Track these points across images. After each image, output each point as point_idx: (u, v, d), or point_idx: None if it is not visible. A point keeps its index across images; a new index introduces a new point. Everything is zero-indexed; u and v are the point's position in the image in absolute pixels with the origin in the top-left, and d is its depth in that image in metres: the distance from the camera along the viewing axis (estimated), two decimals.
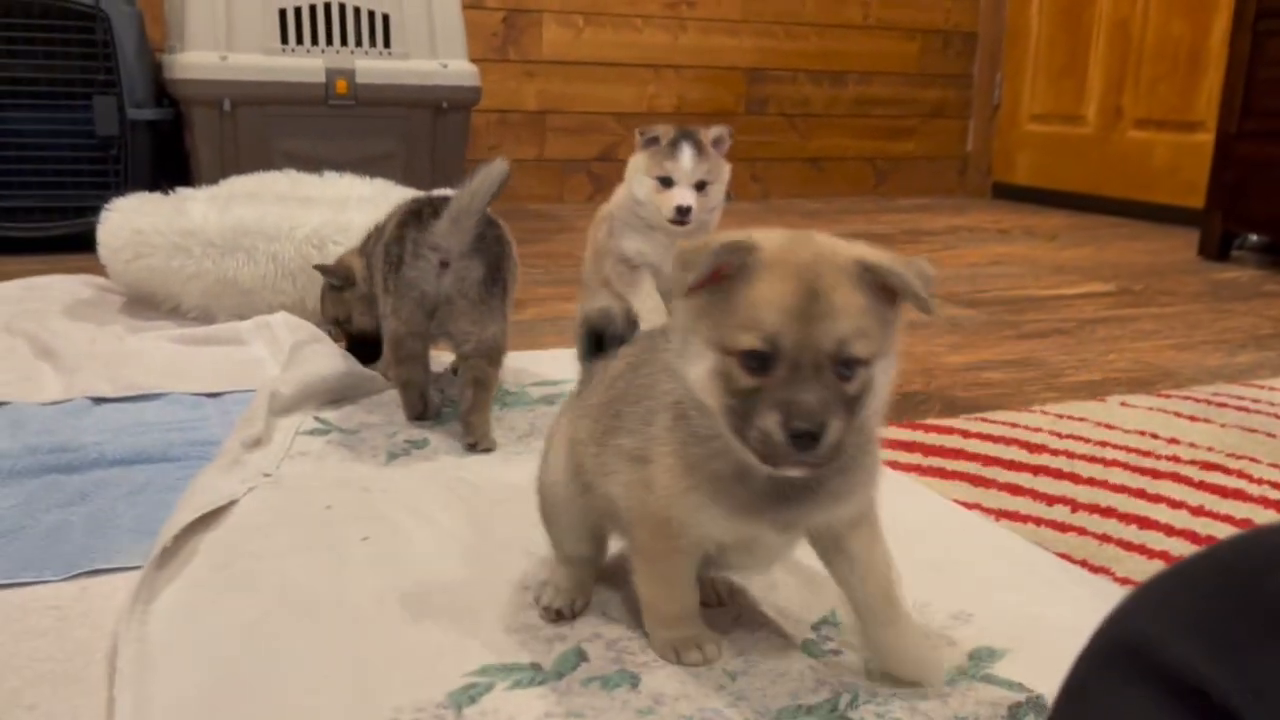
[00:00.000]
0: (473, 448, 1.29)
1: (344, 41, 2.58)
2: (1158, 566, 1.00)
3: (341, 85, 2.54)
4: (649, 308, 1.68)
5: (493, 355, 1.33)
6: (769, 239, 0.71)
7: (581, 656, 0.82)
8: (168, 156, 2.63)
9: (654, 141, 1.75)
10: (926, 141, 4.29)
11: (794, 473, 0.69)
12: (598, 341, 0.90)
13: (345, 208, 1.88)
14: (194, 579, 0.92)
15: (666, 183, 1.73)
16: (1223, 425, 1.43)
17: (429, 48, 2.67)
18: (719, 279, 0.70)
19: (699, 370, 0.71)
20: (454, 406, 1.43)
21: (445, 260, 1.29)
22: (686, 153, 1.74)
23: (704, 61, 3.85)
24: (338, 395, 1.43)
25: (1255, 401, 1.54)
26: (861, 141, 4.18)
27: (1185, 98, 3.37)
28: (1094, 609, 0.91)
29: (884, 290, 0.70)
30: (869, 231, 3.23)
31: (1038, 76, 3.95)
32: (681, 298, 0.72)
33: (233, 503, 1.07)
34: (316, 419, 1.36)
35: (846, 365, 0.68)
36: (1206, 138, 3.28)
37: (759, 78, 3.94)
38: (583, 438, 0.85)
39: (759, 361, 0.68)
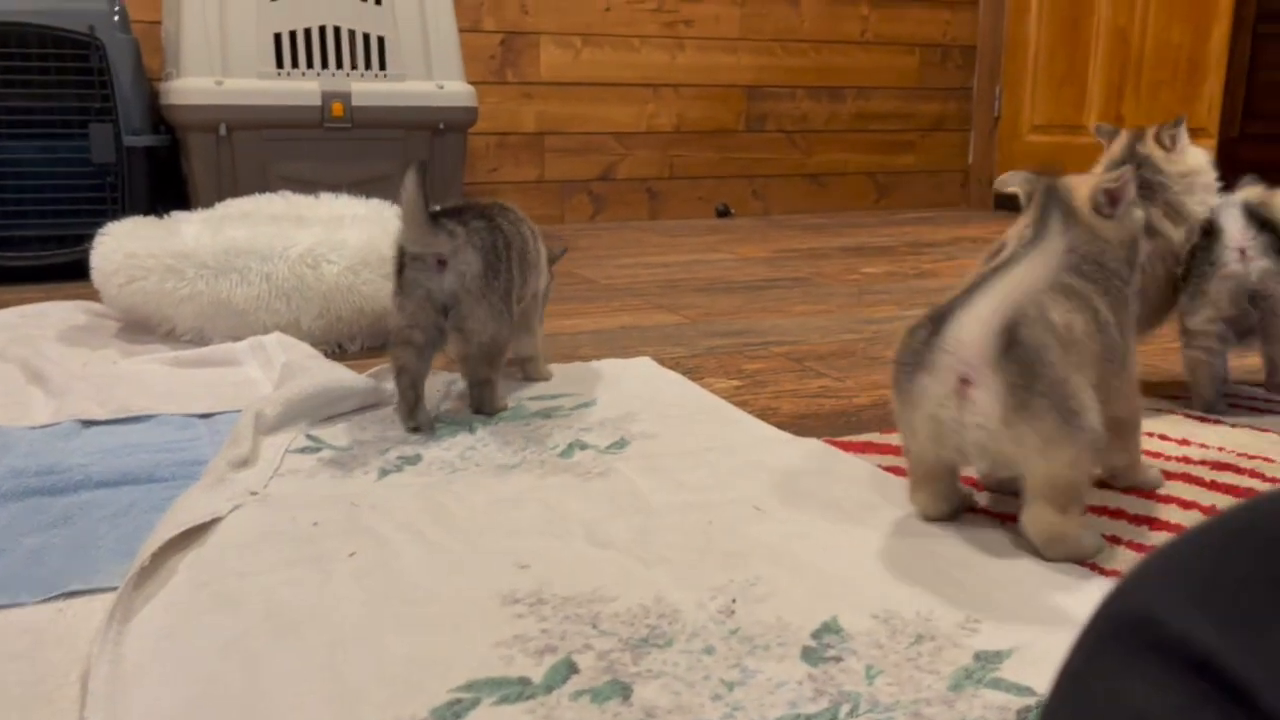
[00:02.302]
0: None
1: (339, 64, 2.58)
2: None
3: (337, 108, 2.54)
4: None
5: (492, 358, 1.40)
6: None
7: (572, 669, 0.79)
8: (166, 183, 2.62)
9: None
10: (927, 155, 4.28)
11: None
12: None
13: (340, 226, 1.87)
14: (173, 598, 0.89)
15: None
16: (1234, 425, 1.39)
17: (425, 69, 2.66)
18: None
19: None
20: (447, 424, 1.41)
21: (441, 259, 1.32)
22: None
23: (703, 80, 3.85)
24: (327, 412, 1.40)
25: (1268, 401, 1.50)
26: (862, 156, 4.17)
27: (1185, 104, 3.34)
28: None
29: None
30: (872, 244, 3.21)
31: (1038, 87, 3.94)
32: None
33: (216, 521, 1.04)
34: (308, 437, 1.33)
35: None
36: (1208, 143, 3.26)
37: (758, 95, 3.94)
38: (1088, 371, 1.00)
39: None
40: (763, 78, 3.94)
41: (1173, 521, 1.08)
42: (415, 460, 1.27)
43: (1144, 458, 1.18)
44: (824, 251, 3.08)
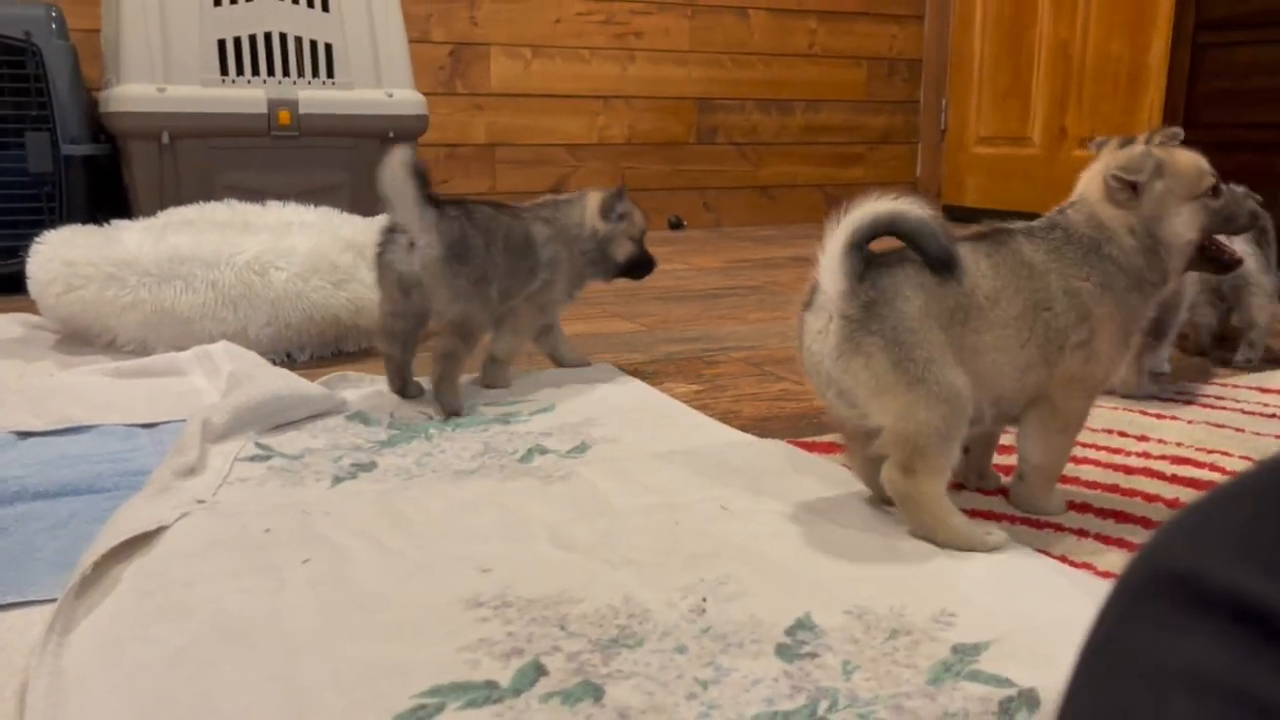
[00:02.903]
0: (452, 414, 1.43)
1: (286, 72, 2.53)
2: None
3: (284, 116, 2.49)
4: None
5: (460, 330, 1.43)
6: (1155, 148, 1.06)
7: (540, 671, 0.76)
8: (106, 193, 2.55)
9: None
10: (876, 168, 4.31)
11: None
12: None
13: (288, 233, 1.83)
14: (117, 608, 0.85)
15: None
16: (1190, 422, 1.40)
17: (374, 77, 2.62)
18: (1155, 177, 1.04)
19: (1182, 220, 1.04)
20: (403, 430, 1.37)
21: (412, 240, 1.40)
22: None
23: (653, 92, 3.85)
24: (277, 420, 1.36)
25: (1219, 399, 1.52)
26: (811, 169, 4.19)
27: (1127, 115, 3.41)
28: (1079, 602, 0.87)
29: None
30: None
31: (983, 100, 4.00)
32: (1133, 197, 1.03)
33: (162, 530, 1.00)
34: (258, 445, 1.29)
35: None
36: None
37: (708, 107, 3.95)
38: (998, 347, 1.00)
39: (1218, 189, 1.05)
40: (713, 90, 3.95)
41: (1138, 514, 1.07)
42: (370, 467, 1.23)
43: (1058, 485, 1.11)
44: (777, 261, 3.08)
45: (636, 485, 1.16)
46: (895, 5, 4.20)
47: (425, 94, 2.83)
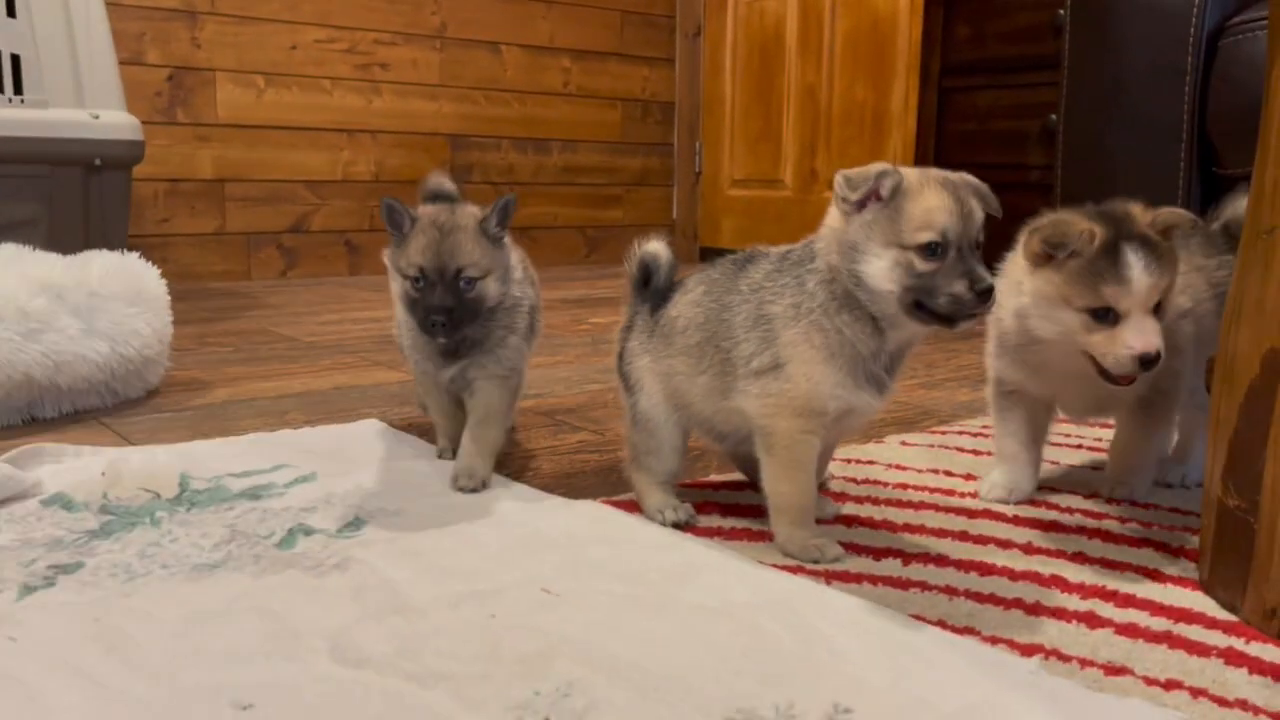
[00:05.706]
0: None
1: None
2: (1018, 618, 0.86)
3: None
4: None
5: None
6: (905, 169, 0.93)
7: None
8: None
9: (1059, 252, 1.03)
10: (634, 209, 4.27)
11: (967, 325, 0.93)
12: (645, 280, 1.16)
13: None
14: None
15: (1104, 316, 1.01)
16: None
17: (74, 96, 2.25)
18: (877, 198, 0.93)
19: (879, 265, 0.92)
20: (119, 514, 1.08)
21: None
22: (1137, 266, 1.00)
23: (402, 126, 3.62)
24: None
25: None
26: (570, 210, 4.08)
27: (874, 157, 3.53)
28: (980, 679, 0.75)
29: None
30: (593, 296, 3.10)
31: (736, 143, 4.04)
32: (852, 214, 0.94)
33: None
34: None
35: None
36: None
37: (462, 144, 3.76)
38: (683, 371, 1.06)
39: (936, 250, 0.90)
40: (466, 126, 3.76)
41: (999, 565, 0.98)
42: (74, 568, 0.95)
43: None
44: (547, 303, 2.92)
45: (432, 570, 0.94)
46: (646, 47, 4.19)
47: (140, 123, 2.47)
